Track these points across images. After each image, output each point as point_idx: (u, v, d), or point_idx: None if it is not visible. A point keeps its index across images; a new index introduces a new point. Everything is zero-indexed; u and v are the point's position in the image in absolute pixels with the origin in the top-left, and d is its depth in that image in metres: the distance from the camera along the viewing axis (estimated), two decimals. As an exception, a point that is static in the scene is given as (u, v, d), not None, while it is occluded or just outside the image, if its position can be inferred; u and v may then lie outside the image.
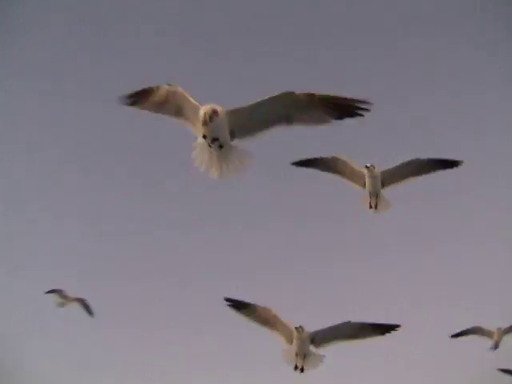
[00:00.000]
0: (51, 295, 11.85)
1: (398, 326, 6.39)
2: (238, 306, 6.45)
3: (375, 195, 6.52)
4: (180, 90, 4.31)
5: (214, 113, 4.03)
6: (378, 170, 6.43)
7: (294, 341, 6.33)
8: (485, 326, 10.59)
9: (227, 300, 6.52)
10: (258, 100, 4.21)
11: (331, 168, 6.65)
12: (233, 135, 4.38)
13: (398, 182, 6.58)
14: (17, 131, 15.54)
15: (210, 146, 4.29)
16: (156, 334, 13.92)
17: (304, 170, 6.75)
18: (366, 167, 6.40)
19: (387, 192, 6.69)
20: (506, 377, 9.74)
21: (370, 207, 6.66)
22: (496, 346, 10.42)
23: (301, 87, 4.11)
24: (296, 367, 6.44)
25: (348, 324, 6.20)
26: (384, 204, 6.66)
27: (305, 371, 6.43)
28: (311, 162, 6.64)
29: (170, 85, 4.32)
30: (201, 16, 16.84)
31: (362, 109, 4.05)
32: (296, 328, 6.30)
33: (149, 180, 16.59)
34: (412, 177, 6.52)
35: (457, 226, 14.76)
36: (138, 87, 4.38)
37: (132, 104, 4.39)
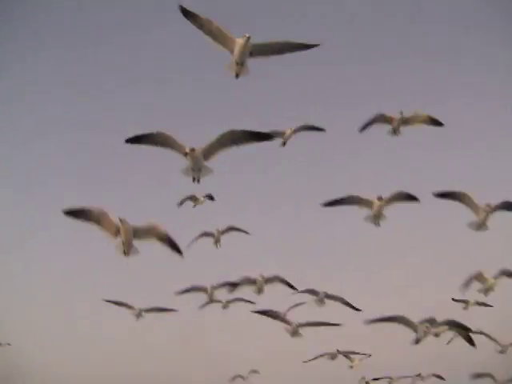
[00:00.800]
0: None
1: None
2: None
3: (241, 64, 7.42)
4: None
5: None
6: (250, 44, 7.14)
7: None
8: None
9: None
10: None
11: (212, 33, 7.16)
12: None
13: (264, 56, 7.36)
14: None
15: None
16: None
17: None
18: (245, 36, 7.10)
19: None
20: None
21: (236, 75, 7.55)
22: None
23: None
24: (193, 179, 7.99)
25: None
26: (245, 71, 7.60)
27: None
28: (201, 26, 7.16)
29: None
30: None
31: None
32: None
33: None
34: (277, 54, 7.33)
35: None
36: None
37: None
